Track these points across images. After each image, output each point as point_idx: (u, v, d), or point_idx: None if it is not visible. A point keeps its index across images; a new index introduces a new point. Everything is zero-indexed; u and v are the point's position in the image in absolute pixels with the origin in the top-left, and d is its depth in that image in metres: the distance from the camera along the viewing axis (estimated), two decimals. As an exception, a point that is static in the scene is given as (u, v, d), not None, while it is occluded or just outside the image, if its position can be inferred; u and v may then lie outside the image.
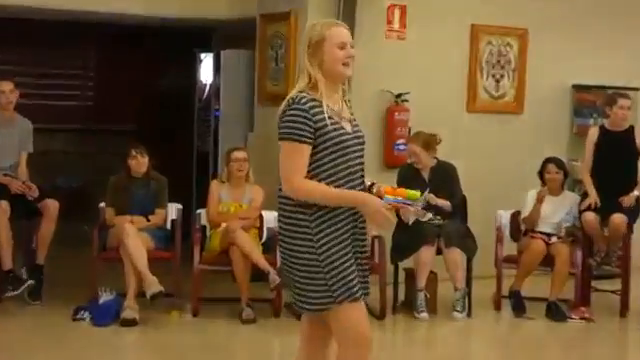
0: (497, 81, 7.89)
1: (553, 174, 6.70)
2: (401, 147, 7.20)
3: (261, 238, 6.51)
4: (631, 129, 6.75)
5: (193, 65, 8.72)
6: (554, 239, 6.57)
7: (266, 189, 6.62)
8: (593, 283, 6.95)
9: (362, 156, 3.36)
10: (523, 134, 7.90)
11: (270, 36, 7.58)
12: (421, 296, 6.30)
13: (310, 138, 3.20)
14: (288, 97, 3.26)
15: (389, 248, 6.47)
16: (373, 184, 3.39)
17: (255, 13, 7.75)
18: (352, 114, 3.38)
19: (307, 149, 3.20)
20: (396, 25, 7.47)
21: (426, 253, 6.26)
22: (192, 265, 6.27)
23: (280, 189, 3.29)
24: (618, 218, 6.49)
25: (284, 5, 7.37)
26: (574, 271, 6.51)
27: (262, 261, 6.11)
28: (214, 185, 6.59)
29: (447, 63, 7.67)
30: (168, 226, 6.62)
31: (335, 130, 3.24)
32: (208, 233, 6.50)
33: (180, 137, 9.00)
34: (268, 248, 6.40)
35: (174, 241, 6.45)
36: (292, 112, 3.21)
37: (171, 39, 9.15)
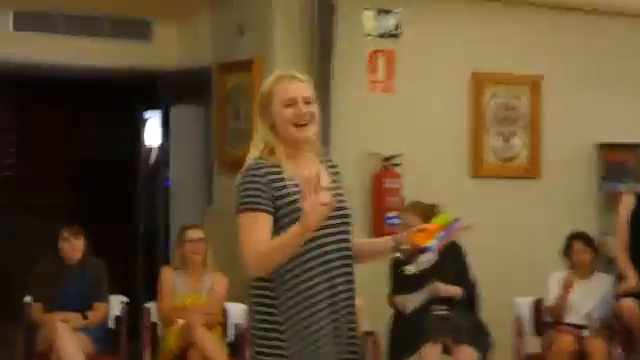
0: (506, 140, 7.94)
1: (581, 253, 6.73)
2: (394, 221, 7.19)
3: (226, 337, 6.46)
4: None
5: (136, 125, 8.75)
6: (586, 333, 6.56)
7: (230, 276, 6.56)
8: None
9: (345, 232, 3.37)
10: (541, 203, 7.93)
11: (229, 89, 7.63)
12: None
13: (269, 207, 3.25)
14: (244, 166, 3.35)
15: (385, 346, 6.42)
16: (400, 250, 3.41)
17: (210, 61, 7.79)
18: (336, 180, 3.41)
19: (266, 218, 3.24)
20: (381, 75, 7.53)
21: (430, 352, 6.21)
22: (142, 373, 6.19)
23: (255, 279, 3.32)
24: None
25: (246, 51, 7.42)
26: (613, 373, 6.48)
27: (226, 363, 6.09)
28: (166, 273, 6.58)
29: (445, 119, 7.73)
30: (111, 324, 6.60)
31: (296, 202, 3.25)
32: (161, 332, 6.46)
33: (122, 213, 8.95)
34: (235, 350, 6.36)
35: (119, 343, 6.43)
36: (246, 181, 3.29)
37: (109, 94, 9.15)
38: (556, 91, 7.99)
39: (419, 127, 7.58)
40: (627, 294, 6.55)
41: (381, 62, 7.54)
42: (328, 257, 3.30)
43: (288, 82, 3.36)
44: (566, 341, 6.43)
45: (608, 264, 7.47)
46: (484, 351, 6.42)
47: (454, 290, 6.38)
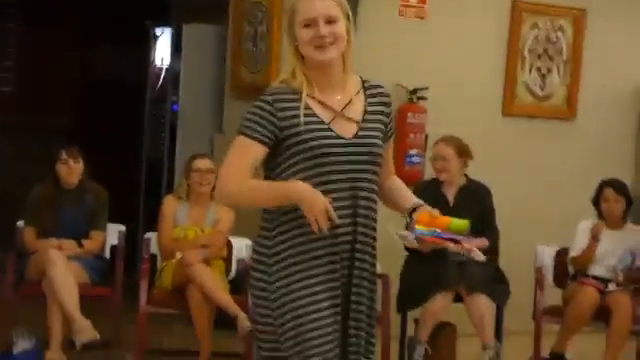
0: (543, 76, 8.01)
1: (612, 202, 6.78)
2: (415, 159, 7.33)
3: (229, 273, 6.60)
4: None
5: (145, 43, 8.76)
6: (612, 286, 6.65)
7: (237, 210, 6.70)
8: (661, 345, 7.08)
9: (364, 171, 3.38)
10: (575, 147, 8.03)
11: (247, 7, 7.69)
12: (419, 351, 6.41)
13: (265, 137, 3.31)
14: None
15: (395, 292, 6.58)
16: (414, 209, 3.44)
17: (229, -23, 7.89)
18: (372, 112, 3.44)
19: (257, 149, 3.31)
20: (414, -2, 7.57)
21: (439, 301, 6.35)
22: (137, 306, 6.32)
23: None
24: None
25: (268, -32, 7.48)
26: (637, 328, 6.62)
27: (229, 302, 6.17)
28: (168, 202, 6.65)
29: (479, 51, 7.79)
30: (107, 254, 6.69)
31: (311, 131, 3.32)
32: (159, 265, 6.57)
33: (126, 138, 9.08)
34: (238, 286, 6.47)
35: (114, 274, 6.51)
36: (253, 104, 3.36)
37: (116, 9, 9.23)
38: (601, 26, 7.99)
39: (451, 58, 7.60)
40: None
41: (414, -16, 7.58)
42: (333, 187, 3.33)
43: (308, 0, 3.38)
44: (589, 294, 6.51)
45: (643, 215, 7.61)
46: (500, 301, 6.54)
47: (480, 242, 6.46)
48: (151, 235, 6.68)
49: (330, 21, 3.34)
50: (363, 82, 3.50)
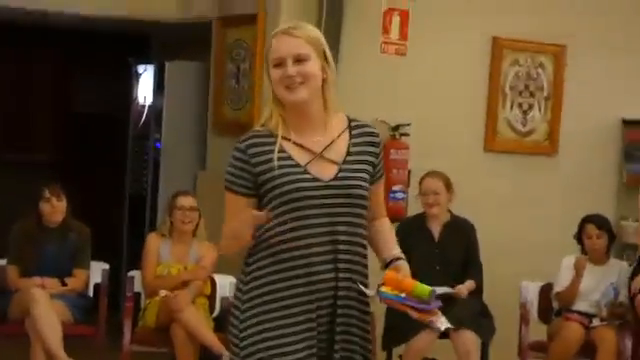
0: (525, 112, 8.04)
1: (594, 238, 6.82)
2: (398, 195, 7.34)
3: (213, 311, 6.60)
4: None
5: (127, 80, 8.79)
6: (596, 322, 6.68)
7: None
8: (646, 380, 7.09)
9: (343, 214, 3.25)
10: (557, 183, 8.04)
11: (230, 45, 7.73)
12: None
13: (247, 188, 3.27)
14: None
15: (381, 330, 6.56)
16: (392, 261, 3.33)
17: (210, 14, 7.89)
18: (357, 152, 3.32)
19: (246, 202, 3.25)
20: (395, 36, 7.59)
21: (423, 338, 6.31)
22: (121, 345, 6.33)
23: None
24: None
25: (250, 5, 7.48)
26: (622, 365, 6.64)
27: (213, 340, 6.18)
28: (152, 239, 6.68)
29: (460, 87, 7.81)
30: (90, 292, 6.69)
31: (285, 175, 3.22)
32: (143, 303, 6.57)
33: (108, 175, 9.05)
34: (222, 324, 6.41)
35: (98, 312, 6.51)
36: (232, 155, 3.32)
37: (100, 45, 9.25)
38: (581, 62, 8.03)
39: (432, 94, 7.60)
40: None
41: (395, 22, 7.60)
42: (310, 232, 3.22)
43: (279, 39, 3.27)
44: (573, 330, 6.54)
45: (626, 250, 7.64)
46: (486, 336, 6.55)
47: (470, 286, 6.54)
48: (134, 273, 6.68)
49: (299, 60, 3.23)
50: (350, 121, 3.39)
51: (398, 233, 6.66)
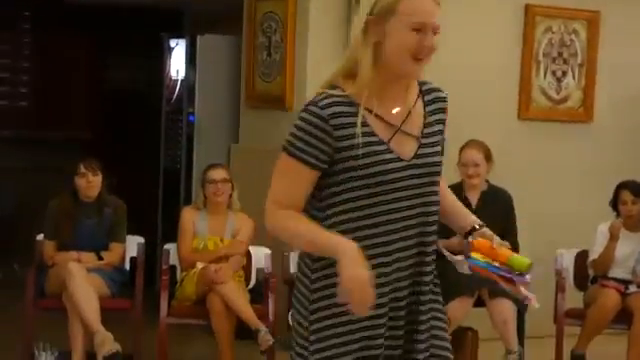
0: (559, 80, 8.02)
1: (629, 204, 6.79)
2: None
3: (248, 282, 6.64)
4: None
5: (160, 54, 8.79)
6: (632, 288, 6.67)
7: (257, 219, 6.73)
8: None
9: (427, 194, 2.94)
10: (592, 150, 8.02)
11: (261, 18, 7.73)
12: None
13: (318, 159, 2.87)
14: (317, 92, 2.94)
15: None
16: (473, 230, 3.08)
17: (250, -13, 7.92)
18: (431, 123, 2.99)
19: (308, 173, 2.88)
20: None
21: (458, 306, 6.31)
22: (158, 317, 6.38)
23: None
24: None
25: (281, -22, 7.53)
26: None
27: (250, 314, 6.22)
28: (187, 213, 6.71)
29: (493, 55, 7.79)
30: (127, 266, 6.73)
31: (370, 155, 2.87)
32: (179, 276, 6.60)
33: (143, 150, 9.10)
34: (257, 297, 6.52)
35: (134, 286, 6.53)
36: (303, 116, 2.89)
37: (131, 21, 9.27)
38: (616, 27, 8.00)
39: (465, 63, 7.60)
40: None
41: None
42: (392, 217, 2.90)
43: (425, 2, 2.88)
44: (610, 297, 6.54)
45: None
46: (522, 305, 6.55)
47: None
48: (170, 246, 6.71)
49: (435, 32, 2.90)
50: (420, 86, 3.05)
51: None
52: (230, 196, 6.69)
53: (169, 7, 9.09)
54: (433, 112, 3.04)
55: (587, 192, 7.71)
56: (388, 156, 2.90)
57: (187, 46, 8.45)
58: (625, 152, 8.05)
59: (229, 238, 6.64)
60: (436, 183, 2.99)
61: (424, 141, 2.96)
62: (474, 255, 3.02)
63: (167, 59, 8.73)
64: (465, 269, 3.07)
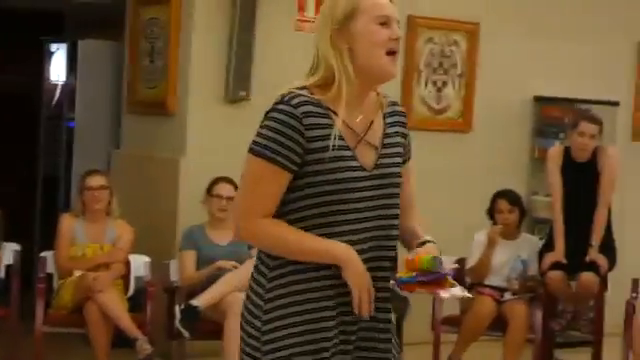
0: (439, 90, 8.12)
1: (506, 213, 6.92)
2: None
3: (127, 291, 6.59)
4: (595, 160, 6.86)
5: (40, 59, 8.73)
6: (507, 295, 6.79)
7: (137, 226, 6.70)
8: (556, 352, 7.22)
9: (387, 206, 2.90)
10: (470, 159, 8.13)
11: (144, 23, 7.68)
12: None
13: (292, 162, 2.80)
14: (283, 92, 2.87)
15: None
16: (424, 243, 2.98)
17: (125, -8, 7.88)
18: (391, 134, 2.96)
19: (283, 177, 2.80)
20: (310, 13, 7.61)
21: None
22: (34, 326, 6.29)
23: None
24: (587, 277, 6.76)
25: (164, -17, 7.49)
26: (533, 337, 6.74)
27: (128, 323, 6.19)
28: (65, 220, 6.66)
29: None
30: (2, 274, 6.63)
31: (337, 160, 2.82)
32: (56, 283, 6.54)
33: (20, 155, 8.98)
34: (135, 305, 6.48)
35: (10, 294, 6.46)
36: (274, 116, 2.81)
37: (11, 24, 9.13)
38: (495, 39, 8.13)
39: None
40: (553, 266, 6.81)
41: (311, 0, 7.63)
42: (353, 228, 2.85)
43: None
44: (485, 304, 6.65)
45: (537, 224, 7.77)
46: (400, 313, 6.60)
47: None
48: (47, 254, 6.65)
49: (398, 24, 2.93)
50: (379, 97, 3.01)
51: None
52: (109, 203, 6.64)
53: (50, 11, 8.97)
54: (392, 124, 3.00)
55: (465, 200, 7.82)
56: (353, 164, 2.86)
57: (68, 51, 8.42)
58: (503, 161, 8.18)
59: (109, 245, 6.59)
60: (396, 195, 2.94)
61: (384, 151, 2.93)
62: (399, 274, 2.91)
63: (47, 64, 8.68)
64: (405, 293, 2.97)
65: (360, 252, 2.87)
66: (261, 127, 2.83)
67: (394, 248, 2.97)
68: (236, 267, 6.33)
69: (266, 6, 7.28)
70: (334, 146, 2.81)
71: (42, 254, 6.67)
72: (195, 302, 6.15)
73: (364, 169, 2.88)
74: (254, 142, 2.83)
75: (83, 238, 6.58)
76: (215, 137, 7.20)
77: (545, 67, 8.34)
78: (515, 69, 8.24)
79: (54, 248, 6.58)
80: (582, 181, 6.87)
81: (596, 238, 6.82)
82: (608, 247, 6.90)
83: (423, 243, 3.01)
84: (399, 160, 2.98)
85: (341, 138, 2.84)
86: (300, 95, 2.82)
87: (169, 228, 7.08)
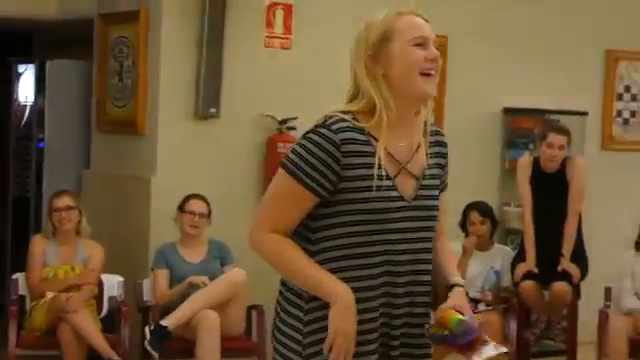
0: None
1: (478, 224, 6.97)
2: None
3: (100, 311, 6.59)
4: (564, 170, 6.93)
5: (8, 79, 8.70)
6: (481, 307, 6.81)
7: (110, 245, 6.69)
8: (532, 362, 7.27)
9: (422, 239, 2.82)
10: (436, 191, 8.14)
11: (113, 42, 7.69)
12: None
13: (322, 188, 2.73)
14: (326, 114, 2.83)
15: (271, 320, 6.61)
16: (454, 286, 2.86)
17: (92, 12, 7.85)
18: (434, 165, 2.88)
19: (308, 199, 2.74)
20: (279, 29, 7.64)
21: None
22: (6, 348, 6.26)
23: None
24: (560, 286, 6.81)
25: (132, 2, 7.49)
26: (507, 347, 6.76)
27: (102, 343, 6.19)
28: (36, 241, 6.66)
29: (346, 79, 7.86)
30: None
31: (371, 190, 2.73)
32: (28, 305, 6.52)
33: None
34: (110, 325, 6.47)
35: (-19, 317, 6.44)
36: (312, 138, 2.75)
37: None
38: (463, 51, 8.18)
39: (318, 87, 7.69)
40: (526, 276, 6.85)
41: (279, 16, 7.65)
42: (389, 259, 2.78)
43: (414, 17, 2.85)
44: (460, 316, 6.71)
45: (509, 235, 7.81)
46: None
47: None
48: (18, 275, 6.63)
49: (435, 47, 2.86)
50: (425, 125, 2.93)
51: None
52: (79, 223, 6.62)
53: (18, 31, 8.94)
54: (434, 155, 2.92)
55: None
56: (394, 194, 2.78)
57: (36, 71, 8.38)
58: (474, 173, 8.15)
59: (80, 266, 6.59)
60: (432, 228, 2.87)
61: (424, 182, 2.85)
62: (432, 328, 2.84)
63: (15, 85, 8.66)
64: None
65: (395, 285, 2.79)
66: (298, 145, 2.77)
67: (428, 283, 2.88)
68: (206, 284, 6.33)
69: (234, 23, 7.31)
70: (365, 175, 2.74)
71: (14, 276, 6.65)
72: (164, 322, 6.15)
73: (404, 199, 2.80)
74: (287, 158, 2.78)
75: (54, 259, 6.58)
76: (186, 154, 7.21)
77: (514, 79, 8.40)
78: (484, 81, 8.28)
79: (26, 270, 6.56)
80: (552, 191, 6.92)
81: (567, 248, 6.86)
82: (579, 256, 6.96)
83: (451, 287, 2.90)
84: (437, 192, 2.91)
85: (381, 168, 2.76)
86: (343, 120, 2.76)
87: (141, 247, 7.07)
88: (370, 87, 2.78)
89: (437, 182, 2.91)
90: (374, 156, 2.73)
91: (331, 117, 2.77)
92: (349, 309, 2.72)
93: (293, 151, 2.76)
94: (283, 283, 2.88)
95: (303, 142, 2.75)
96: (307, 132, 2.78)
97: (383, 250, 2.77)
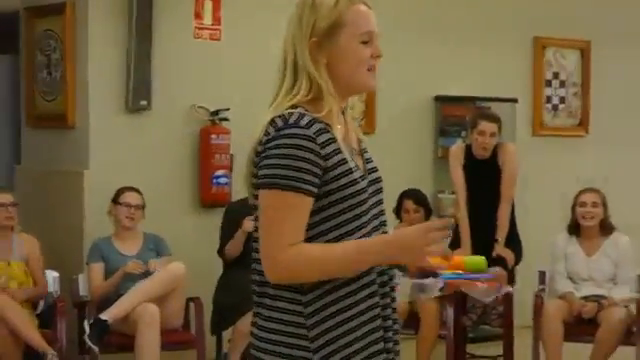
0: (342, 93, 8.19)
1: (412, 212, 7.06)
2: (222, 180, 7.40)
3: (37, 307, 6.55)
4: (496, 157, 7.03)
5: None
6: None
7: (44, 241, 6.66)
8: (469, 348, 7.39)
9: (383, 213, 2.82)
10: (377, 161, 8.22)
11: (39, 35, 7.66)
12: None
13: (314, 185, 2.63)
14: (275, 115, 2.68)
15: (209, 313, 6.67)
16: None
17: (18, 5, 7.82)
18: (362, 141, 2.88)
19: (307, 203, 2.63)
20: (208, 20, 7.65)
21: (249, 320, 6.34)
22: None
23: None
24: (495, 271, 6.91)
25: (57, -6, 7.46)
26: (444, 333, 6.82)
27: (37, 339, 6.16)
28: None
29: (273, 71, 7.87)
30: None
31: (345, 174, 2.67)
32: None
33: None
34: (45, 321, 6.45)
35: None
36: (287, 142, 2.62)
37: None
38: (394, 41, 8.22)
39: (249, 78, 7.70)
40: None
41: (207, 7, 7.66)
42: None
43: (364, 8, 2.77)
44: (398, 303, 6.75)
45: (443, 223, 7.90)
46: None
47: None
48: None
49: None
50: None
51: (227, 213, 6.83)
52: (12, 218, 6.59)
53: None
54: (356, 129, 2.91)
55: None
56: (357, 174, 2.72)
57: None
58: (407, 161, 8.31)
59: (17, 262, 6.53)
60: (383, 201, 2.84)
61: (366, 156, 2.85)
62: (442, 272, 2.83)
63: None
64: (435, 291, 2.87)
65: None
66: (272, 157, 2.62)
67: None
68: (141, 270, 6.35)
69: (162, 14, 7.32)
70: (340, 161, 2.68)
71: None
72: (104, 316, 6.15)
73: (364, 177, 2.76)
74: (271, 176, 2.62)
75: (-10, 257, 6.52)
76: (118, 148, 7.21)
77: (444, 67, 8.53)
78: (415, 70, 8.39)
79: (-42, 268, 6.48)
80: (484, 178, 7.03)
81: (501, 233, 6.98)
82: (514, 241, 7.08)
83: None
84: (375, 164, 2.88)
85: (342, 152, 2.70)
86: (304, 114, 2.66)
87: (75, 242, 7.06)
88: (315, 73, 2.70)
89: (370, 156, 2.89)
90: (336, 142, 2.68)
91: (290, 115, 2.66)
92: (411, 244, 2.64)
93: (274, 166, 2.62)
94: (264, 284, 2.74)
95: (278, 151, 2.62)
96: (273, 139, 2.65)
97: (367, 232, 2.70)
